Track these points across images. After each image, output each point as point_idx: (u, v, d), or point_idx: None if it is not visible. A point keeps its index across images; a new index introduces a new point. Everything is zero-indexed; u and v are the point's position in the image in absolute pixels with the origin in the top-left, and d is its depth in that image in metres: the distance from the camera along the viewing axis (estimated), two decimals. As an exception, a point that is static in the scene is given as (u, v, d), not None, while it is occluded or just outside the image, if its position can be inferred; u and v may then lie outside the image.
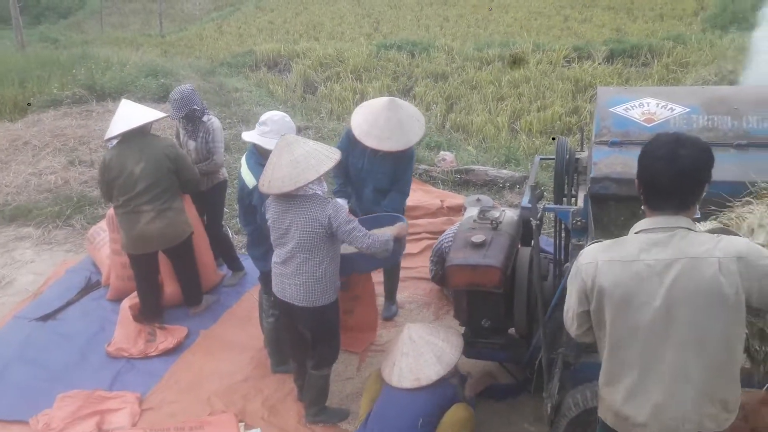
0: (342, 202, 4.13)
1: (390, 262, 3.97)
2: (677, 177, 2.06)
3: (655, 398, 2.13)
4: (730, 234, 2.23)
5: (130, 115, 4.48)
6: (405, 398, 3.29)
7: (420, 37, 13.38)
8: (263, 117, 3.84)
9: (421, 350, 3.33)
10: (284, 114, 3.92)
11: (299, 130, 8.30)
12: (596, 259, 2.14)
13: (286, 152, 3.31)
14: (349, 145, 4.27)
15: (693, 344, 2.05)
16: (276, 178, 3.30)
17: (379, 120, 4.06)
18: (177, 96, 4.79)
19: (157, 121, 4.58)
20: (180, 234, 4.57)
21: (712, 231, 2.30)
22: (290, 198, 3.37)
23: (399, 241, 3.69)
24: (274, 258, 3.55)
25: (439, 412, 3.28)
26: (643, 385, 2.14)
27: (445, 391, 3.34)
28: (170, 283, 4.95)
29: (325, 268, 3.43)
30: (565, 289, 3.19)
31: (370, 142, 4.01)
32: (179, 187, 4.60)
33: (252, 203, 3.80)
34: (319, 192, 3.40)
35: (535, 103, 9.39)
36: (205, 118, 4.89)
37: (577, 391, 3.15)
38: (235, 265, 5.37)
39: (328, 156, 3.35)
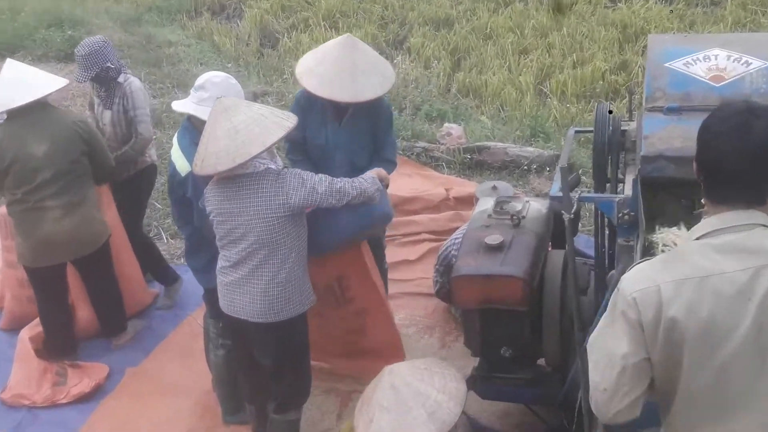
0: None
1: (378, 219, 3.98)
2: (751, 158, 2.04)
3: None
4: None
5: (21, 81, 4.47)
6: None
7: (415, -30, 13.37)
8: (200, 80, 3.85)
9: (407, 404, 3.23)
10: (228, 75, 3.93)
11: (255, 97, 8.29)
12: (656, 282, 2.06)
13: (223, 119, 3.33)
14: (303, 112, 4.16)
15: None
16: (210, 154, 3.31)
17: (326, 59, 4.05)
18: (84, 51, 4.79)
19: (58, 90, 4.60)
20: (96, 237, 4.58)
21: None
22: (234, 180, 3.39)
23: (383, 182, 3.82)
24: (221, 263, 3.56)
25: None
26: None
27: None
28: (83, 306, 4.95)
29: (290, 268, 3.45)
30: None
31: (311, 83, 3.99)
32: (92, 175, 4.61)
33: (187, 196, 3.81)
34: (273, 166, 3.43)
35: (569, 57, 9.38)
36: (121, 79, 4.91)
37: (628, 441, 3.17)
38: (167, 278, 5.39)
39: (278, 122, 3.38)
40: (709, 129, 2.12)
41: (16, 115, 4.45)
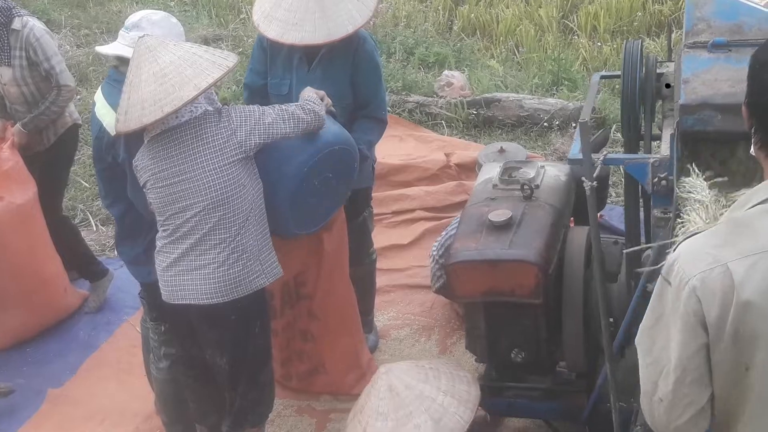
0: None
1: (335, 143, 3.89)
2: None
3: None
4: None
5: None
6: None
7: None
8: (133, 17, 3.86)
9: (407, 409, 3.31)
10: (169, 14, 3.95)
11: (206, 43, 8.27)
12: (720, 260, 2.04)
13: (148, 62, 3.37)
14: (264, 55, 4.24)
15: None
16: (134, 104, 3.35)
17: None
18: None
19: None
20: None
21: None
22: (169, 134, 3.43)
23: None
24: (160, 242, 3.60)
25: None
26: None
27: None
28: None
29: (247, 232, 3.51)
30: (644, 297, 3.25)
31: (271, 29, 4.03)
32: None
33: (117, 161, 3.80)
34: (210, 108, 3.47)
35: (602, -18, 9.41)
36: (16, 25, 4.82)
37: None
38: (93, 272, 5.42)
39: (215, 61, 3.42)
40: (766, 67, 2.09)
41: None
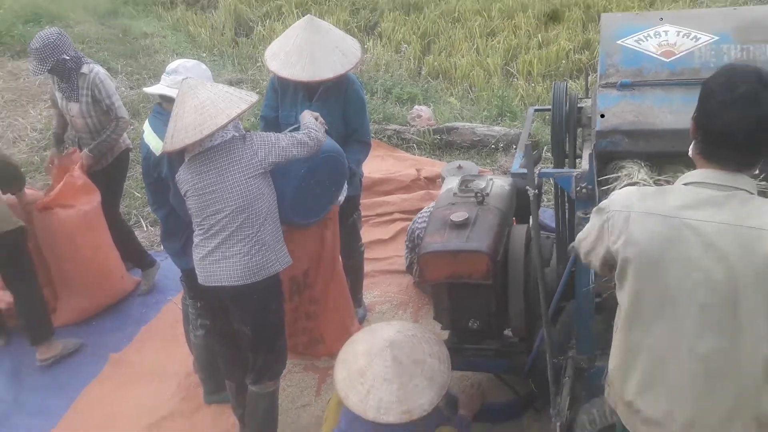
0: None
1: (326, 152, 3.84)
2: (755, 128, 2.03)
3: (677, 395, 2.17)
4: None
5: None
6: None
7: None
8: (172, 65, 3.85)
9: (409, 373, 3.22)
10: (199, 62, 3.95)
11: (230, 84, 8.22)
12: (629, 209, 2.17)
13: (190, 97, 3.38)
14: (275, 94, 4.28)
15: (731, 335, 2.07)
16: (179, 130, 3.36)
17: (289, 41, 4.10)
18: (38, 44, 4.71)
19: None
20: None
21: None
22: (205, 154, 3.43)
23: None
24: (197, 239, 3.57)
25: None
26: (665, 375, 2.18)
27: (433, 419, 3.31)
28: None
29: (266, 231, 3.51)
30: (570, 278, 3.26)
31: (273, 65, 4.07)
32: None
33: (162, 176, 3.79)
34: (237, 134, 3.47)
35: (535, 37, 9.39)
36: (84, 69, 4.82)
37: (592, 405, 3.20)
38: (144, 262, 5.40)
39: (241, 97, 3.44)
40: (715, 95, 2.09)
41: None
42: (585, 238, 2.37)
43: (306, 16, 4.25)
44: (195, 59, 4.16)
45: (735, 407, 2.13)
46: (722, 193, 2.09)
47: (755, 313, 2.04)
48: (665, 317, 2.14)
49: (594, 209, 2.36)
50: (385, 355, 3.25)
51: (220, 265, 3.51)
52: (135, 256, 5.39)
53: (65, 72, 4.78)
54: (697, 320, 2.10)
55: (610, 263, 2.28)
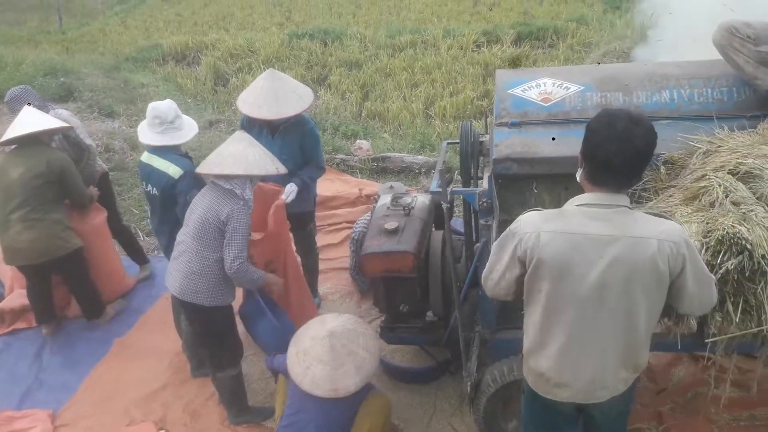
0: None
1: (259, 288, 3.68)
2: (630, 158, 2.06)
3: (580, 363, 2.22)
4: (663, 217, 2.30)
5: (28, 121, 4.25)
6: (317, 404, 3.15)
7: (333, 25, 13.21)
8: (153, 113, 3.79)
9: (341, 360, 3.15)
10: (169, 101, 3.92)
11: (210, 124, 8.11)
12: (538, 230, 2.14)
13: (234, 142, 3.44)
14: (245, 130, 4.20)
15: (622, 316, 2.14)
16: (226, 156, 3.37)
17: (256, 89, 4.07)
18: (8, 97, 4.60)
19: (54, 131, 4.35)
20: (54, 250, 4.26)
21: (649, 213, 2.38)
22: (213, 184, 3.38)
23: (269, 288, 3.59)
24: (176, 240, 3.48)
25: (353, 414, 3.21)
26: (571, 350, 2.21)
27: (360, 395, 3.22)
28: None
29: (206, 266, 3.32)
30: (478, 267, 3.28)
31: (244, 108, 4.02)
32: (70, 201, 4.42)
33: (175, 192, 3.75)
34: (238, 192, 3.34)
35: (447, 88, 9.48)
36: (50, 114, 4.49)
37: (494, 368, 3.23)
38: (141, 258, 5.25)
39: (274, 164, 3.46)
40: (599, 133, 2.09)
41: (20, 146, 4.27)
42: (492, 270, 2.29)
43: (268, 70, 4.19)
44: (182, 105, 4.08)
45: (623, 362, 2.22)
46: (609, 210, 2.12)
47: (639, 298, 2.11)
48: (573, 307, 2.16)
49: (495, 243, 2.29)
50: (324, 342, 3.19)
51: (172, 273, 3.41)
52: (136, 254, 5.24)
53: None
54: (597, 307, 2.14)
55: (519, 282, 2.23)
